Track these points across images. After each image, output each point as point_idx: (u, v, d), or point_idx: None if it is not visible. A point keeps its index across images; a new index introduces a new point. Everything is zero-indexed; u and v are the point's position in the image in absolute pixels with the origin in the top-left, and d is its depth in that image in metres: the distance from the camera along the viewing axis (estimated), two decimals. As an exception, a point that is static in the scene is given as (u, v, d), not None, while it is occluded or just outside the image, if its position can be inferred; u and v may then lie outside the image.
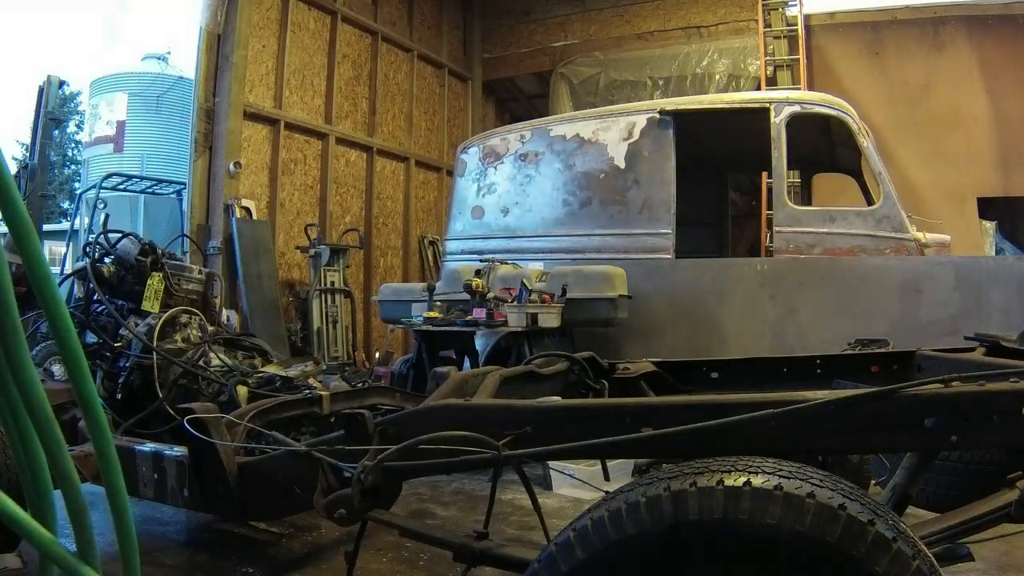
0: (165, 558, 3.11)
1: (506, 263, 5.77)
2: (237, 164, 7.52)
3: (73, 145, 23.20)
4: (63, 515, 1.07)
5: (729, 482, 1.17)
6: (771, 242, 6.01)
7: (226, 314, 5.82)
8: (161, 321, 3.48)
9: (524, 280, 5.03)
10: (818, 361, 2.65)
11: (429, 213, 10.69)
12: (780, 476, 1.17)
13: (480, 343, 5.02)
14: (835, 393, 1.42)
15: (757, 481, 1.16)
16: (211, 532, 3.38)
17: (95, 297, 3.55)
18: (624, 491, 1.27)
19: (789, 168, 6.21)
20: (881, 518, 1.14)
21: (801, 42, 9.16)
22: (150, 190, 12.04)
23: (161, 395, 3.23)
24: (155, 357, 3.31)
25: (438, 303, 5.26)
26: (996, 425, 1.38)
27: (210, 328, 3.71)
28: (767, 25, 9.31)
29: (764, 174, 6.30)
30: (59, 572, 1.08)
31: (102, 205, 8.94)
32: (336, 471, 1.76)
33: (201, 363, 3.34)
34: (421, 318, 5.19)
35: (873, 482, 2.55)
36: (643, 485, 1.24)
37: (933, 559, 1.17)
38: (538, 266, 5.73)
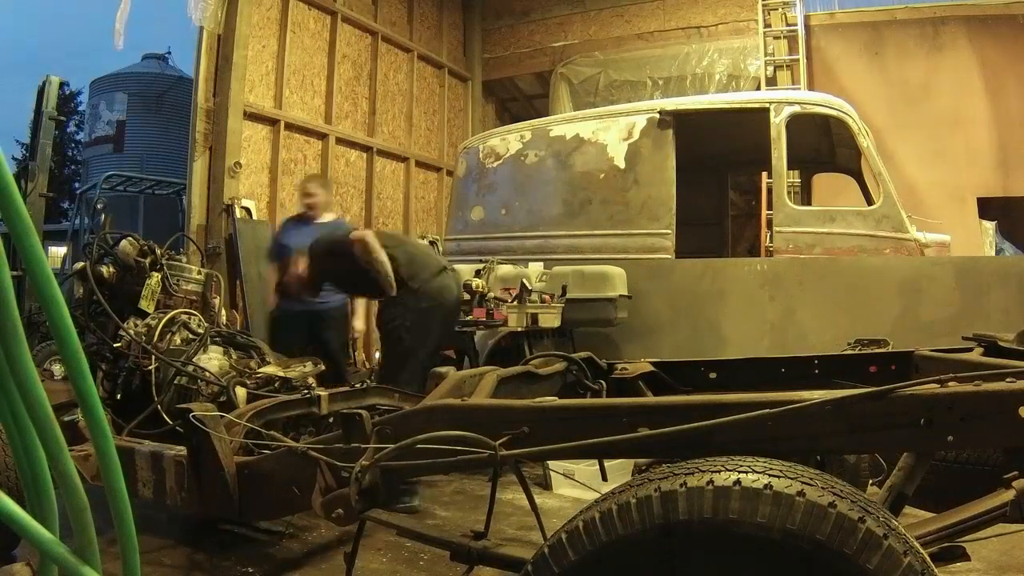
0: (165, 558, 3.11)
1: (506, 263, 5.78)
2: (237, 164, 7.52)
3: (73, 145, 23.20)
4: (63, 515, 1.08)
5: (719, 482, 1.17)
6: (771, 242, 6.01)
7: (226, 314, 5.82)
8: (161, 323, 3.49)
9: (524, 280, 5.04)
10: (816, 361, 2.66)
11: (429, 213, 10.69)
12: (770, 475, 1.18)
13: (480, 343, 5.03)
14: (831, 393, 1.42)
15: (747, 480, 1.16)
16: (211, 532, 3.39)
17: (95, 298, 3.56)
18: (615, 492, 1.27)
19: (789, 168, 6.21)
20: (872, 515, 1.15)
21: (801, 42, 9.16)
22: (150, 190, 12.06)
23: (158, 398, 3.24)
24: (153, 360, 3.32)
25: (438, 303, 5.26)
26: (993, 425, 1.39)
27: (208, 328, 3.72)
28: (767, 25, 9.31)
29: (764, 174, 6.30)
30: (60, 572, 1.08)
31: (100, 205, 8.94)
32: (334, 471, 1.76)
33: (199, 365, 3.34)
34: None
35: (871, 482, 2.56)
36: (634, 486, 1.25)
37: (926, 556, 1.17)
38: (538, 266, 5.74)
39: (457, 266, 5.87)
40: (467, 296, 5.08)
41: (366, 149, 9.46)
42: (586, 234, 6.24)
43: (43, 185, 6.28)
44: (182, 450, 2.44)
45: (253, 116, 7.83)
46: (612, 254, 6.00)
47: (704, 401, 1.54)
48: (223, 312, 5.12)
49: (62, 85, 7.60)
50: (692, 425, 1.41)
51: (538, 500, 2.30)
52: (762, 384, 2.58)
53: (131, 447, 2.56)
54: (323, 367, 3.66)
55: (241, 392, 3.12)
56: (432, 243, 10.22)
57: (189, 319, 3.68)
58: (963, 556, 1.48)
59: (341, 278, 4.45)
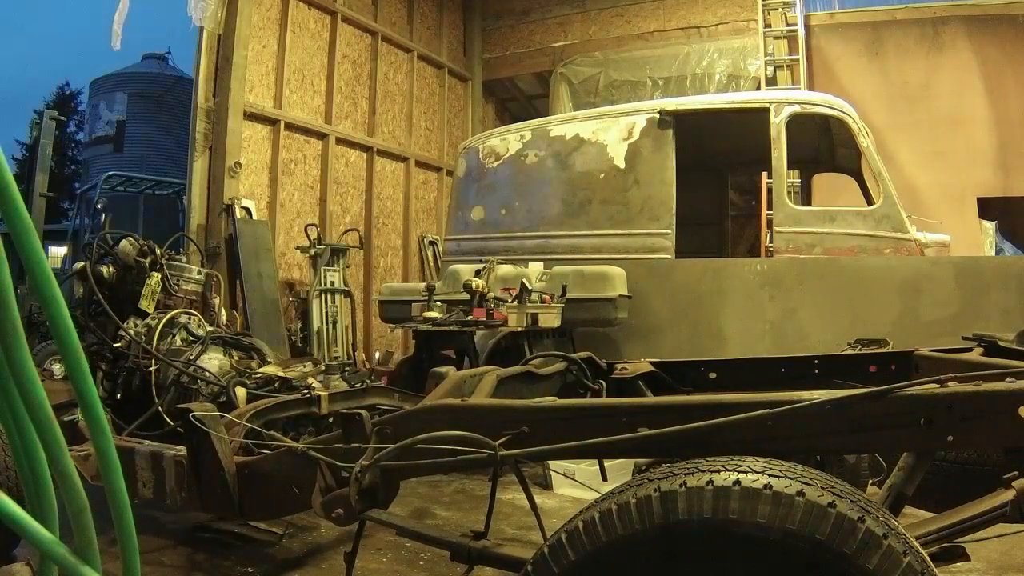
0: (165, 558, 3.11)
1: (506, 263, 5.78)
2: (237, 164, 7.52)
3: (73, 145, 23.20)
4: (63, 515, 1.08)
5: (719, 482, 1.17)
6: (771, 242, 6.01)
7: (226, 314, 5.83)
8: (161, 324, 3.49)
9: (524, 280, 5.04)
10: (816, 361, 2.66)
11: (429, 213, 10.69)
12: (770, 475, 1.18)
13: (480, 343, 5.03)
14: (831, 393, 1.42)
15: (746, 480, 1.16)
16: (210, 532, 3.38)
17: (95, 298, 3.56)
18: (615, 492, 1.27)
19: (789, 168, 6.21)
20: (871, 515, 1.15)
21: (801, 42, 9.16)
22: (150, 190, 12.07)
23: (158, 399, 3.23)
24: (153, 361, 3.32)
25: (438, 303, 5.27)
26: (993, 425, 1.38)
27: (208, 328, 3.72)
28: (767, 25, 9.32)
29: (764, 174, 6.30)
30: (60, 572, 1.08)
31: (100, 205, 8.95)
32: (334, 471, 1.76)
33: (199, 365, 3.34)
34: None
35: (871, 482, 2.56)
36: (634, 486, 1.25)
37: (926, 555, 1.17)
38: (538, 266, 5.74)
39: (457, 266, 5.89)
40: (467, 296, 5.09)
41: (366, 149, 9.46)
42: (586, 234, 6.24)
43: (43, 185, 6.28)
44: (182, 450, 2.44)
45: (253, 116, 7.83)
46: (612, 254, 5.99)
47: (704, 401, 1.54)
48: (223, 312, 5.13)
49: (63, 86, 7.59)
50: (692, 425, 1.41)
51: (538, 500, 2.30)
52: (762, 384, 2.58)
53: (131, 447, 2.56)
54: (323, 367, 3.66)
55: (241, 392, 3.12)
56: (432, 243, 10.29)
57: (189, 319, 3.68)
58: (963, 556, 1.48)
59: None
